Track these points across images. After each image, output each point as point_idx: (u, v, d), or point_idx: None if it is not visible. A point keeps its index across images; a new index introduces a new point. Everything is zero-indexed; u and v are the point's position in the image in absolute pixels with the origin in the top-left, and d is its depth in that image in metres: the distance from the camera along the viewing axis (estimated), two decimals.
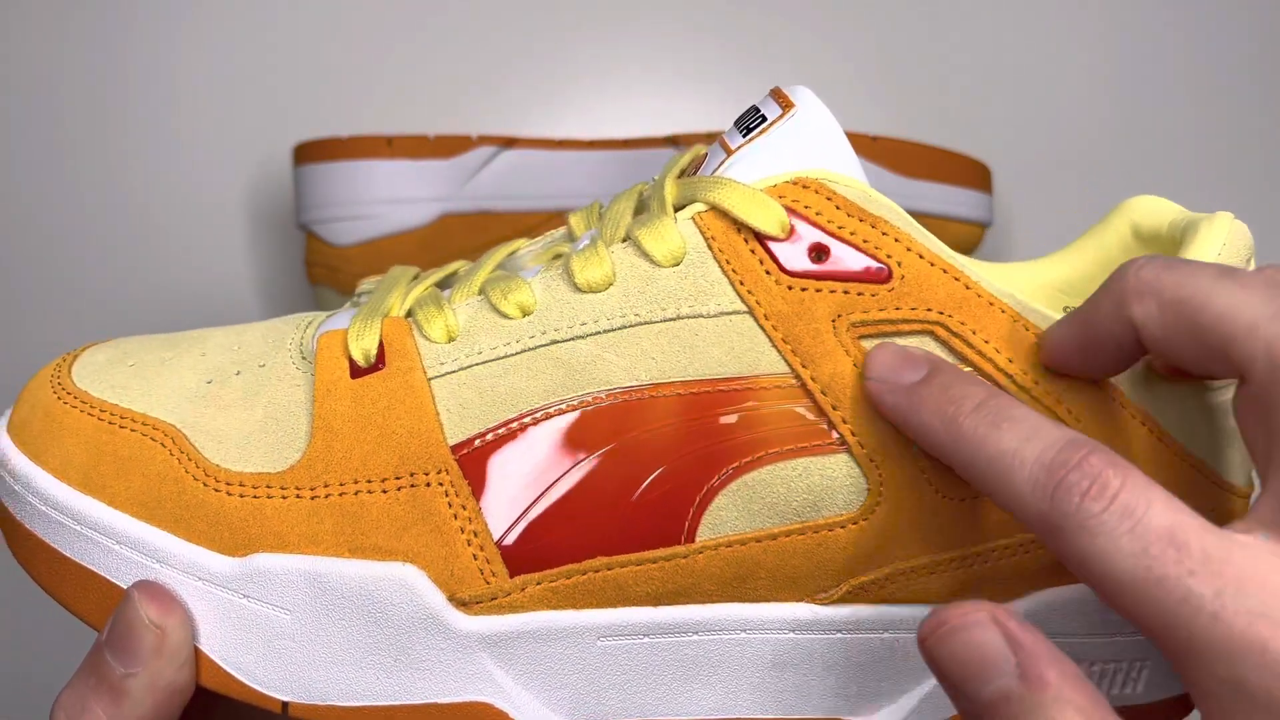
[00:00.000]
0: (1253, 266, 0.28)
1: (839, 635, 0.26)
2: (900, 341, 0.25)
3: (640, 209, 0.29)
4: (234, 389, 0.27)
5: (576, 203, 0.45)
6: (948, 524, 0.25)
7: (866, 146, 0.44)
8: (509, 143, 0.45)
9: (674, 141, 0.45)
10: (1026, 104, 0.51)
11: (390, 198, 0.44)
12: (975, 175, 0.46)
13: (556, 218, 0.45)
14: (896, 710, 0.27)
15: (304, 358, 0.28)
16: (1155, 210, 0.30)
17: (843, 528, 0.25)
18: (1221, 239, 0.27)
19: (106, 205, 0.50)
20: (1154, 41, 0.51)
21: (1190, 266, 0.22)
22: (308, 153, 0.45)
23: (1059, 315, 0.26)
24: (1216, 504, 0.27)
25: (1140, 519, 0.20)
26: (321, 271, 0.45)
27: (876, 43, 0.51)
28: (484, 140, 0.45)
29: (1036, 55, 0.51)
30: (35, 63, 0.50)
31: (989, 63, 0.51)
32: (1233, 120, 0.51)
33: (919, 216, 0.44)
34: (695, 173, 0.28)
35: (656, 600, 0.26)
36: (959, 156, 0.46)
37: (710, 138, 0.45)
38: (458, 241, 0.45)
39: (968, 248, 0.47)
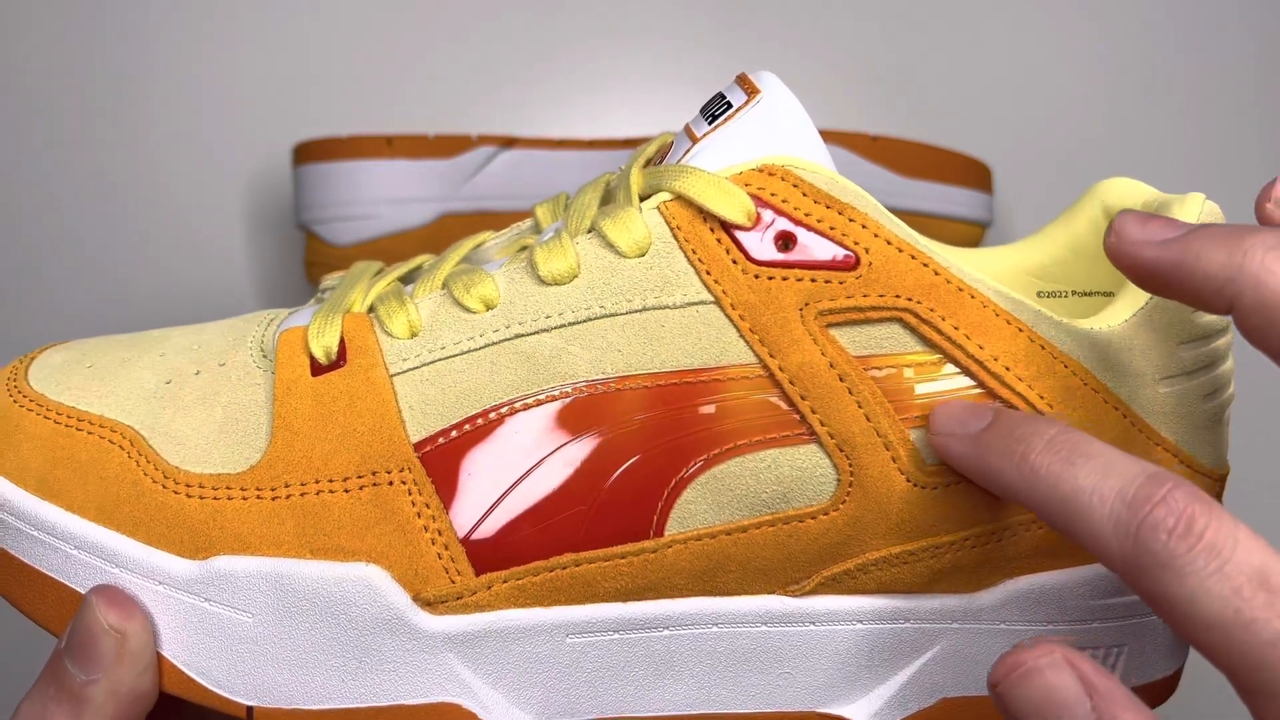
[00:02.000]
0: None
1: (811, 627, 0.26)
2: (868, 329, 0.25)
3: (607, 199, 0.28)
4: (193, 389, 0.27)
5: None
6: (919, 513, 0.25)
7: (866, 146, 0.44)
8: (509, 143, 0.45)
9: None
10: (1026, 104, 0.51)
11: (390, 198, 0.44)
12: (975, 175, 0.46)
13: None
14: (871, 701, 0.27)
15: (265, 356, 0.27)
16: (1127, 192, 0.29)
17: (813, 518, 0.25)
18: (1193, 220, 0.27)
19: (107, 205, 0.50)
20: (1154, 41, 0.51)
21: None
22: (308, 153, 0.45)
23: (1031, 301, 0.26)
24: None
25: (1228, 559, 0.19)
26: (321, 271, 0.45)
27: (876, 42, 0.51)
28: (484, 140, 0.45)
29: (1036, 55, 0.51)
30: (36, 63, 0.50)
31: (989, 63, 0.51)
32: (1233, 120, 0.51)
33: (919, 216, 0.44)
34: (661, 161, 0.28)
35: (626, 596, 0.25)
36: (959, 156, 0.46)
37: None
38: (458, 241, 0.44)
39: (968, 247, 0.47)
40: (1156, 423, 0.26)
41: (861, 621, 0.26)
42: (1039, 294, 0.31)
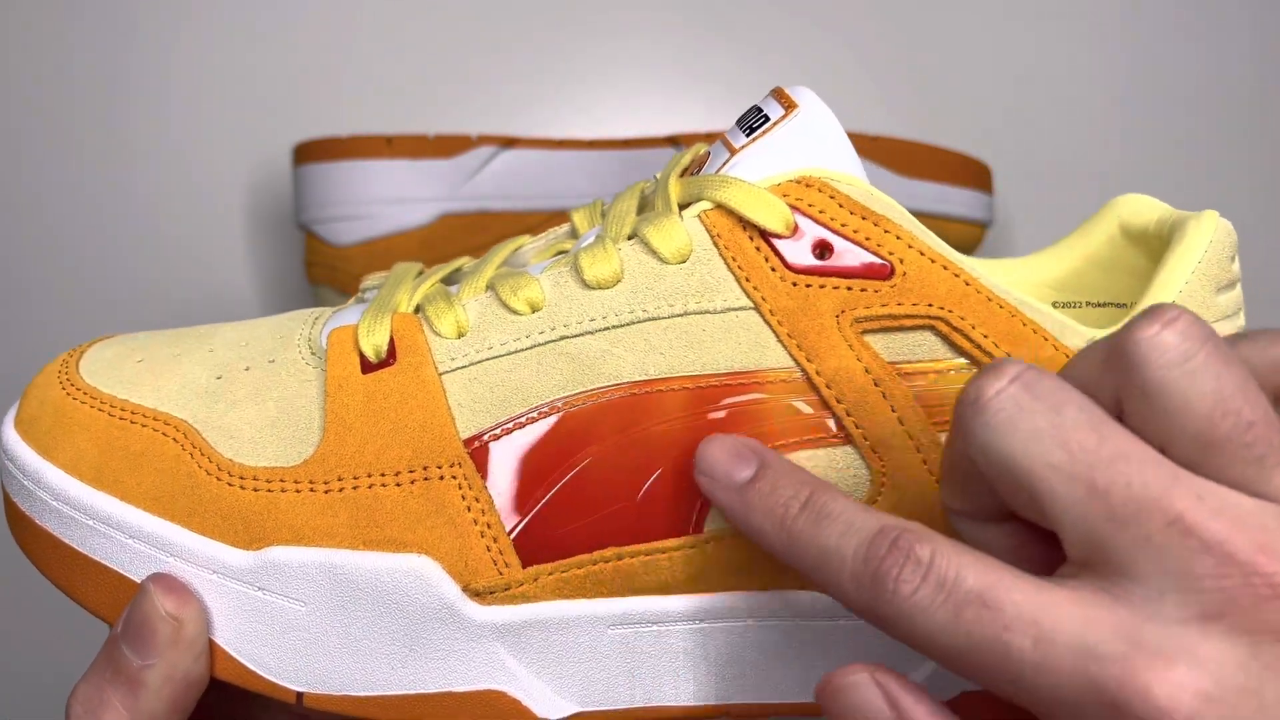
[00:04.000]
0: (1236, 265, 0.29)
1: (842, 621, 0.27)
2: (902, 336, 0.26)
3: (643, 207, 0.29)
4: (244, 385, 0.27)
5: (577, 203, 0.45)
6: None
7: (866, 146, 0.45)
8: (509, 143, 0.45)
9: (674, 141, 0.46)
10: (1026, 104, 0.52)
11: (390, 198, 0.44)
12: (975, 175, 0.47)
13: (557, 218, 0.45)
14: None
15: (313, 353, 0.28)
16: (1142, 209, 0.31)
17: None
18: (1208, 236, 0.28)
19: (107, 205, 0.50)
20: (1153, 41, 0.52)
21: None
22: (308, 153, 0.45)
23: (1054, 311, 0.27)
24: None
25: (951, 589, 0.20)
26: (321, 271, 0.45)
27: (876, 43, 0.51)
28: (484, 140, 0.45)
29: (1036, 55, 0.52)
30: (36, 63, 0.50)
31: (989, 63, 0.52)
32: (1231, 121, 0.52)
33: (919, 216, 0.45)
34: (698, 171, 0.29)
35: (665, 589, 0.26)
36: (959, 156, 0.46)
37: (710, 138, 0.46)
38: (458, 241, 0.45)
39: (968, 247, 0.48)
40: None
41: None
42: (1055, 304, 0.33)
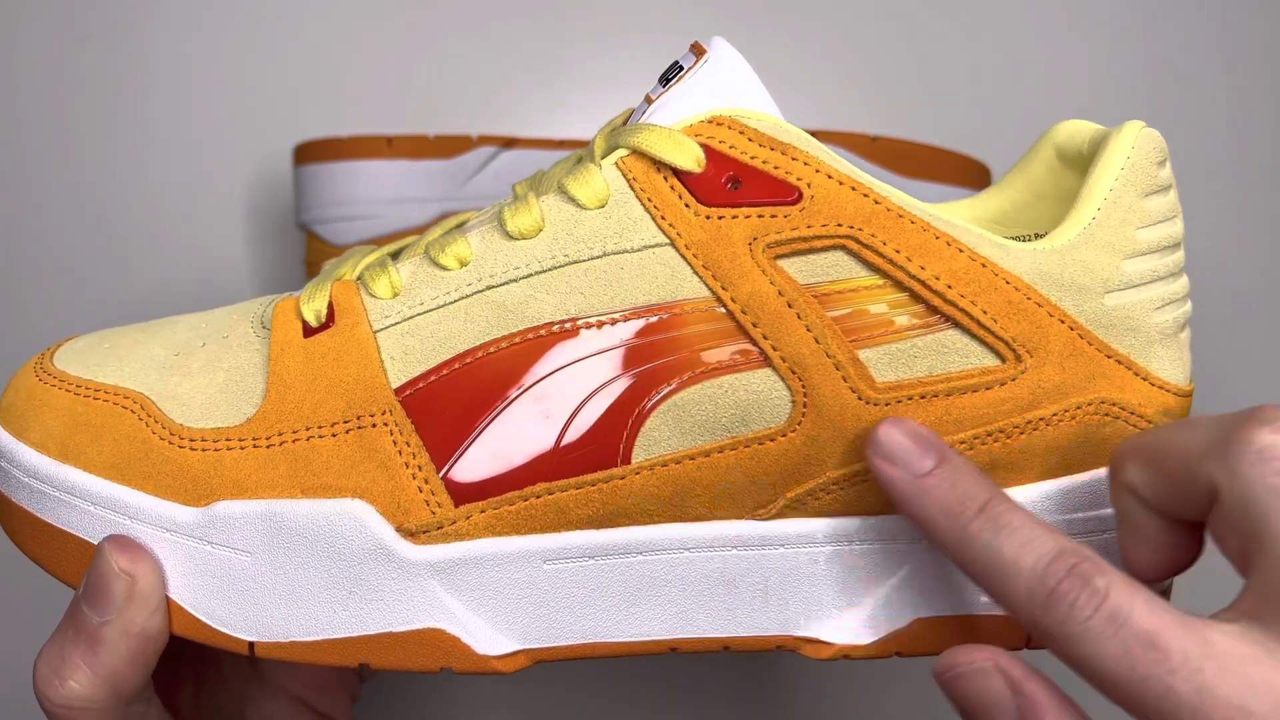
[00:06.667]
0: (1167, 170, 0.28)
1: (781, 550, 0.27)
2: (815, 259, 0.26)
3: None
4: (199, 359, 0.29)
5: None
6: (872, 429, 0.26)
7: (866, 146, 0.45)
8: (509, 143, 0.45)
9: None
10: (1026, 104, 0.52)
11: (390, 198, 0.44)
12: (975, 175, 0.47)
13: None
14: (846, 622, 0.27)
15: (264, 326, 0.29)
16: (1076, 132, 0.31)
17: (772, 440, 0.26)
18: (1130, 144, 0.28)
19: (107, 205, 0.50)
20: (1153, 41, 0.52)
21: (1157, 428, 0.25)
22: (308, 153, 0.45)
23: (972, 225, 0.27)
24: (1151, 399, 0.27)
25: (1122, 624, 0.22)
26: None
27: (876, 43, 0.51)
28: (484, 140, 0.45)
29: (1036, 55, 0.52)
30: (36, 63, 0.50)
31: (989, 63, 0.52)
32: (1231, 120, 0.52)
33: None
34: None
35: (598, 523, 0.27)
36: (959, 156, 0.46)
37: None
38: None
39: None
40: (1106, 336, 0.27)
41: (830, 544, 0.27)
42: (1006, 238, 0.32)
